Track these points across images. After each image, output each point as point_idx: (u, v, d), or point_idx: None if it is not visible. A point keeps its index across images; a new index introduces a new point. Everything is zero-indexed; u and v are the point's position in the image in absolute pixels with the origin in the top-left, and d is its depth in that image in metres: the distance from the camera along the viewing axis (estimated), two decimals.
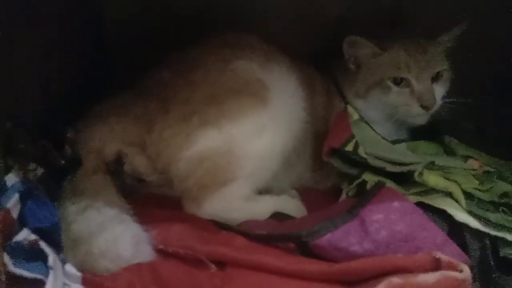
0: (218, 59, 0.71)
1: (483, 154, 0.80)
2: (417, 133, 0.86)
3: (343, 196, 0.71)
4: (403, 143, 0.82)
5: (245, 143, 0.66)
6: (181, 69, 0.71)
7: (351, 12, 0.91)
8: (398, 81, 0.76)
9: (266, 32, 0.90)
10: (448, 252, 0.53)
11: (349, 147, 0.65)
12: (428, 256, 0.48)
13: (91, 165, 0.63)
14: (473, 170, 0.71)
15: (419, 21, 0.92)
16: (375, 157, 0.65)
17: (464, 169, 0.70)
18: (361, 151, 0.64)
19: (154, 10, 0.90)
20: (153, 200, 0.69)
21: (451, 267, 0.47)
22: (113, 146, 0.66)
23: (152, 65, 0.77)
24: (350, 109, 0.70)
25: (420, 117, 0.79)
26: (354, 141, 0.65)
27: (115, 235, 0.54)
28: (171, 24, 0.89)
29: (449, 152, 0.83)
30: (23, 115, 0.62)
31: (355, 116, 0.70)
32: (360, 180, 0.66)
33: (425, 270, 0.47)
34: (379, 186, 0.60)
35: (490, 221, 0.58)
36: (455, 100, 0.79)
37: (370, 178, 0.64)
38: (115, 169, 0.65)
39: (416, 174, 0.62)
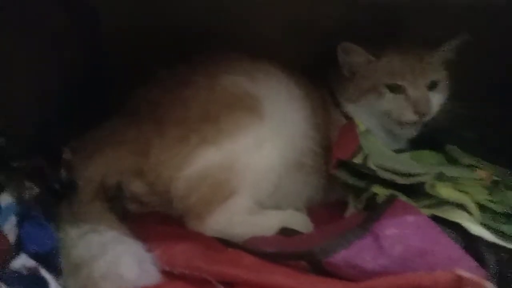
0: (205, 76, 0.71)
1: (486, 163, 0.80)
2: (416, 143, 0.86)
3: (350, 210, 0.70)
4: (406, 153, 0.82)
5: (245, 157, 0.66)
6: (171, 88, 0.70)
7: (347, 22, 0.91)
8: (392, 88, 0.77)
9: (262, 42, 0.90)
10: (465, 267, 0.51)
11: (358, 159, 0.64)
12: (450, 274, 0.47)
13: (90, 194, 0.62)
14: (481, 180, 0.71)
15: (415, 32, 0.93)
16: (383, 169, 0.64)
17: (473, 179, 0.69)
18: (370, 163, 0.63)
19: (152, 22, 0.88)
20: (153, 218, 0.67)
21: (474, 285, 0.46)
22: (111, 178, 0.65)
23: (149, 76, 0.76)
24: (356, 120, 0.70)
25: (411, 126, 0.78)
26: (363, 152, 0.64)
27: (116, 255, 0.53)
28: (170, 36, 0.88)
29: (452, 161, 0.83)
30: (16, 130, 0.59)
31: (362, 128, 0.69)
32: (369, 193, 0.64)
33: None
34: (391, 199, 0.59)
35: (505, 233, 0.57)
36: (456, 109, 0.79)
37: (380, 191, 0.63)
38: (114, 196, 0.65)
39: (427, 185, 0.62)
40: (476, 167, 0.78)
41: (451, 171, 0.70)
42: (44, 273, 0.46)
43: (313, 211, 0.75)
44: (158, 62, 0.77)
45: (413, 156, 0.81)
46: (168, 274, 0.55)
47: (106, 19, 0.90)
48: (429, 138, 0.85)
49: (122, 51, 0.90)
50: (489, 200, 0.63)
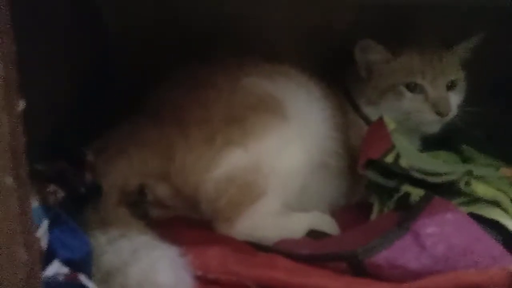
0: (227, 77, 0.71)
1: (502, 163, 0.82)
2: (429, 143, 0.87)
3: (375, 211, 0.70)
4: (424, 153, 0.83)
5: (271, 159, 0.66)
6: (191, 89, 0.70)
7: (360, 24, 0.92)
8: (411, 87, 0.78)
9: (275, 45, 0.91)
10: (507, 264, 0.52)
11: (389, 158, 0.64)
12: (503, 271, 0.47)
13: (115, 198, 0.61)
14: (506, 178, 0.72)
15: (428, 32, 0.95)
16: (413, 168, 0.64)
17: (498, 177, 0.70)
18: (402, 162, 0.63)
19: (159, 23, 0.89)
20: (180, 222, 0.66)
21: None
22: (134, 180, 0.64)
23: (156, 78, 0.75)
24: (386, 118, 0.70)
25: (433, 125, 0.80)
26: (395, 151, 0.64)
27: (151, 262, 0.51)
28: (177, 38, 0.88)
29: (467, 161, 0.85)
30: (34, 133, 0.57)
31: (392, 126, 0.69)
32: (401, 193, 0.65)
33: (501, 286, 0.46)
34: (428, 197, 0.59)
35: None
36: (472, 109, 0.80)
37: (413, 190, 0.63)
38: (138, 200, 0.63)
39: (462, 183, 0.62)
40: (493, 166, 0.79)
41: (476, 169, 0.71)
42: (85, 279, 0.44)
43: (336, 213, 0.75)
44: (165, 64, 0.76)
45: (431, 156, 0.82)
46: (201, 279, 0.54)
47: (112, 22, 0.90)
48: (442, 138, 0.87)
49: (128, 52, 0.91)
50: None
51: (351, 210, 0.77)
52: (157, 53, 0.88)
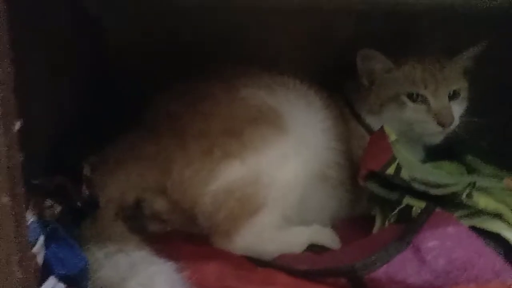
0: (225, 89, 0.72)
1: (505, 172, 0.82)
2: (432, 153, 0.87)
3: (377, 224, 0.70)
4: (427, 163, 0.83)
5: (270, 171, 0.66)
6: (189, 101, 0.71)
7: (362, 33, 0.93)
8: (414, 97, 0.78)
9: (277, 54, 0.93)
10: (509, 279, 0.53)
11: (390, 170, 0.65)
12: (503, 285, 0.48)
13: (112, 212, 0.62)
14: (509, 189, 0.72)
15: (430, 41, 0.95)
16: (415, 180, 0.65)
17: (502, 188, 0.71)
18: (404, 174, 0.64)
19: (157, 35, 0.90)
20: (178, 236, 0.66)
21: None
22: (131, 194, 0.65)
23: (156, 89, 0.77)
24: (387, 129, 0.71)
25: (436, 135, 0.80)
26: (396, 163, 0.65)
27: (149, 277, 0.51)
28: (175, 49, 0.90)
29: (471, 171, 0.85)
30: (32, 147, 0.58)
31: (393, 137, 0.70)
32: (402, 205, 0.65)
33: None
34: (430, 210, 0.59)
35: None
36: (476, 119, 0.81)
37: (415, 203, 0.64)
38: (135, 214, 0.64)
39: (463, 196, 0.62)
40: (498, 177, 0.80)
41: (480, 180, 0.71)
42: None
43: (336, 227, 0.75)
44: (166, 74, 0.78)
45: (434, 167, 0.82)
46: None
47: (113, 34, 0.91)
48: (446, 149, 0.87)
49: (128, 64, 0.92)
50: None
51: (354, 223, 0.77)
52: (157, 64, 0.90)
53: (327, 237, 0.70)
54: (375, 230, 0.70)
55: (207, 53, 0.91)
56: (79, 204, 0.56)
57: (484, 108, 0.82)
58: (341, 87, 0.88)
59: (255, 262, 0.61)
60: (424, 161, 0.85)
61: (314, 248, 0.66)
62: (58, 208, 0.54)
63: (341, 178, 0.77)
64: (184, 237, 0.66)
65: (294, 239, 0.67)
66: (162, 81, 0.75)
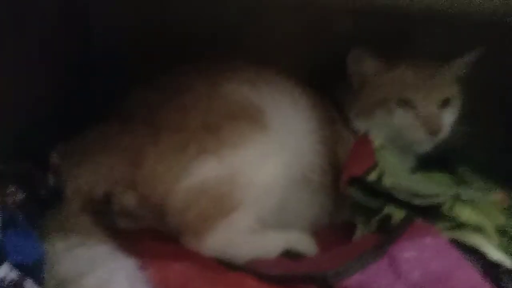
0: (207, 83, 0.71)
1: (497, 187, 0.81)
2: (425, 162, 0.86)
3: (359, 232, 0.69)
4: (417, 174, 0.82)
5: (248, 171, 0.65)
6: (168, 94, 0.70)
7: (357, 31, 0.92)
8: (403, 103, 0.77)
9: (269, 49, 0.92)
10: None
11: (373, 176, 0.64)
12: None
13: (78, 204, 0.60)
14: (496, 203, 0.71)
15: (425, 44, 0.95)
16: (399, 188, 0.64)
17: (489, 202, 0.70)
18: (387, 181, 0.63)
19: (145, 26, 0.89)
20: (145, 234, 0.65)
21: None
22: (100, 187, 0.64)
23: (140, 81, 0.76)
24: (373, 134, 0.70)
25: (424, 143, 0.79)
26: (378, 169, 0.64)
27: (107, 272, 0.50)
28: (163, 42, 0.89)
29: (461, 183, 0.84)
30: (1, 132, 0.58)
31: (377, 142, 0.69)
32: (382, 214, 0.64)
33: None
34: (409, 220, 0.59)
35: None
36: (467, 129, 0.79)
37: (395, 212, 0.63)
38: (103, 208, 0.63)
39: (445, 207, 0.61)
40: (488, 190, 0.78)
41: (467, 193, 0.70)
42: (30, 285, 0.44)
43: (317, 233, 0.74)
44: (152, 66, 0.77)
45: (424, 178, 0.81)
46: None
47: (96, 22, 0.91)
48: (437, 159, 0.86)
49: (111, 54, 0.91)
50: (506, 225, 0.63)
51: (336, 230, 0.76)
52: (143, 57, 0.89)
53: (304, 244, 0.68)
54: (355, 238, 0.69)
55: (199, 49, 0.90)
56: (42, 192, 0.55)
57: (477, 117, 0.81)
58: (330, 87, 0.86)
59: (225, 265, 0.60)
60: (416, 170, 0.84)
61: (289, 255, 0.65)
62: (20, 195, 0.54)
63: (324, 183, 0.75)
64: (153, 235, 0.65)
65: (269, 244, 0.66)
66: (147, 72, 0.74)
